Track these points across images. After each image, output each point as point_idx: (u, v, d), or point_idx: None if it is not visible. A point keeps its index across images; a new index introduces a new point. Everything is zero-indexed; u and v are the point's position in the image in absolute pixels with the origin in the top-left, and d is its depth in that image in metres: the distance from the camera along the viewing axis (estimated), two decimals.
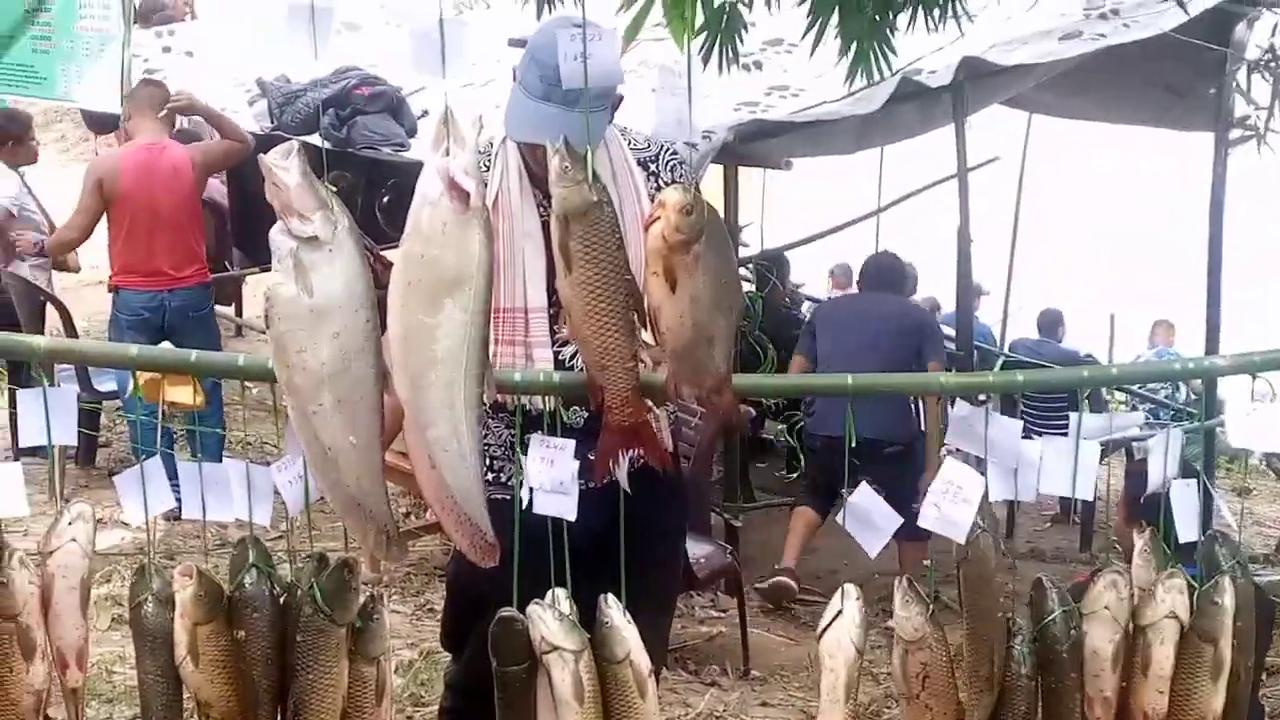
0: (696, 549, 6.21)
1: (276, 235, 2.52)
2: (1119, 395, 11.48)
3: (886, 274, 8.19)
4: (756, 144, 7.70)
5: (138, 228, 7.44)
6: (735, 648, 6.39)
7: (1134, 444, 7.95)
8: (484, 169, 2.73)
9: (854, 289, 10.01)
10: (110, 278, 7.68)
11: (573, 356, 3.50)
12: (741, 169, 8.79)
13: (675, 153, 3.51)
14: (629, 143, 3.47)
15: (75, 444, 7.87)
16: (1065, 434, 2.94)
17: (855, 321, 7.75)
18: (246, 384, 7.13)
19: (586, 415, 3.07)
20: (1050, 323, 12.08)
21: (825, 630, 2.89)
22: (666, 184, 3.47)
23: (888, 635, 6.32)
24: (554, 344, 3.45)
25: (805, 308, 10.61)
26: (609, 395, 2.74)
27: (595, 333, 2.68)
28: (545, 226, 3.45)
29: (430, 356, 2.58)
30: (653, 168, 3.49)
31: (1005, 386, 2.96)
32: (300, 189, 2.51)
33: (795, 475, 9.53)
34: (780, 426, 10.52)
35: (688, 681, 5.93)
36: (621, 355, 2.71)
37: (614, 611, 2.85)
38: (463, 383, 2.60)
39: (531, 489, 2.86)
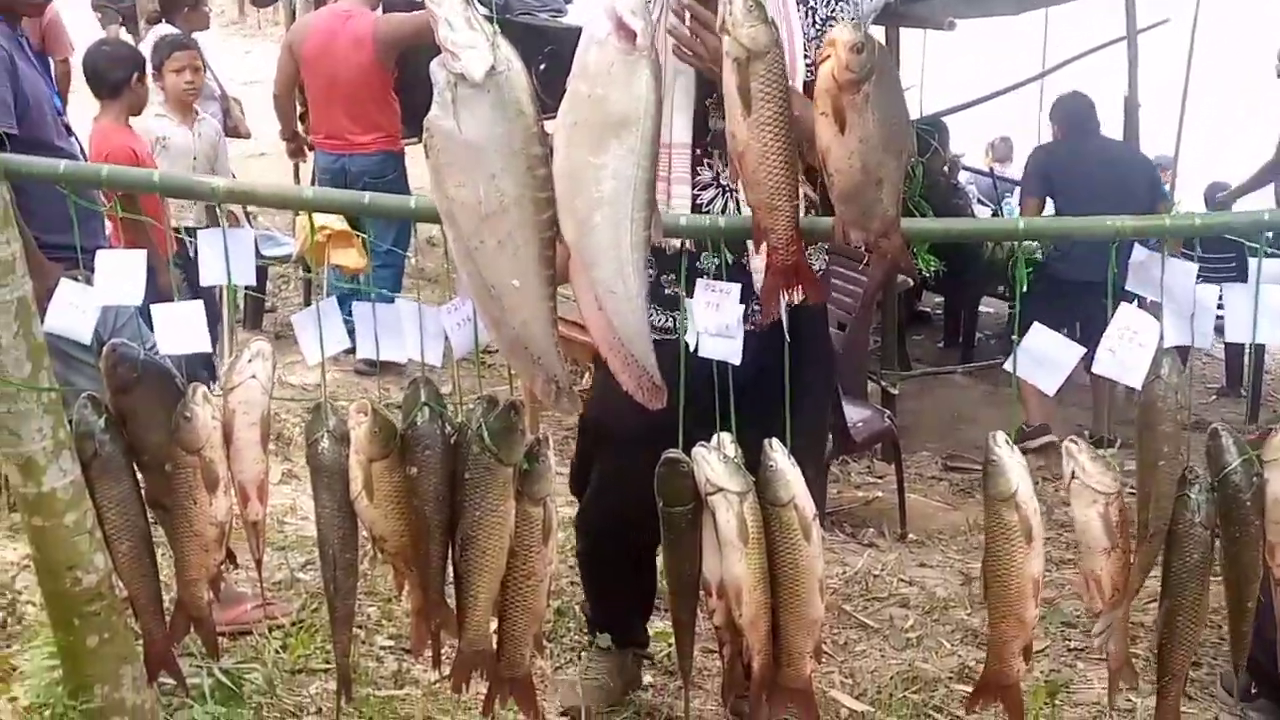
0: (854, 412, 6.22)
1: (434, 66, 2.51)
2: None
3: (1092, 114, 8.11)
4: (919, 4, 7.56)
5: (318, 93, 7.76)
6: (892, 512, 6.41)
7: None
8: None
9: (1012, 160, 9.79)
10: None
11: (710, 202, 3.50)
12: (903, 30, 8.64)
13: None
14: None
15: (242, 307, 8.15)
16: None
17: (1092, 168, 7.68)
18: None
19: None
20: (1218, 195, 11.73)
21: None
22: (823, 19, 3.48)
23: (1044, 504, 6.37)
24: (693, 187, 3.46)
25: (964, 178, 10.44)
26: (775, 236, 2.71)
27: (769, 173, 2.64)
28: None
29: (596, 197, 2.55)
30: (811, 2, 3.47)
31: (1181, 229, 2.87)
32: (461, 26, 2.48)
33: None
34: (939, 299, 10.44)
35: (844, 542, 5.95)
36: (791, 195, 2.68)
37: (779, 455, 2.86)
38: (629, 224, 2.59)
39: (698, 332, 2.87)
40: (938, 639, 4.97)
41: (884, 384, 7.48)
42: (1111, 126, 8.77)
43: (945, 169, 9.27)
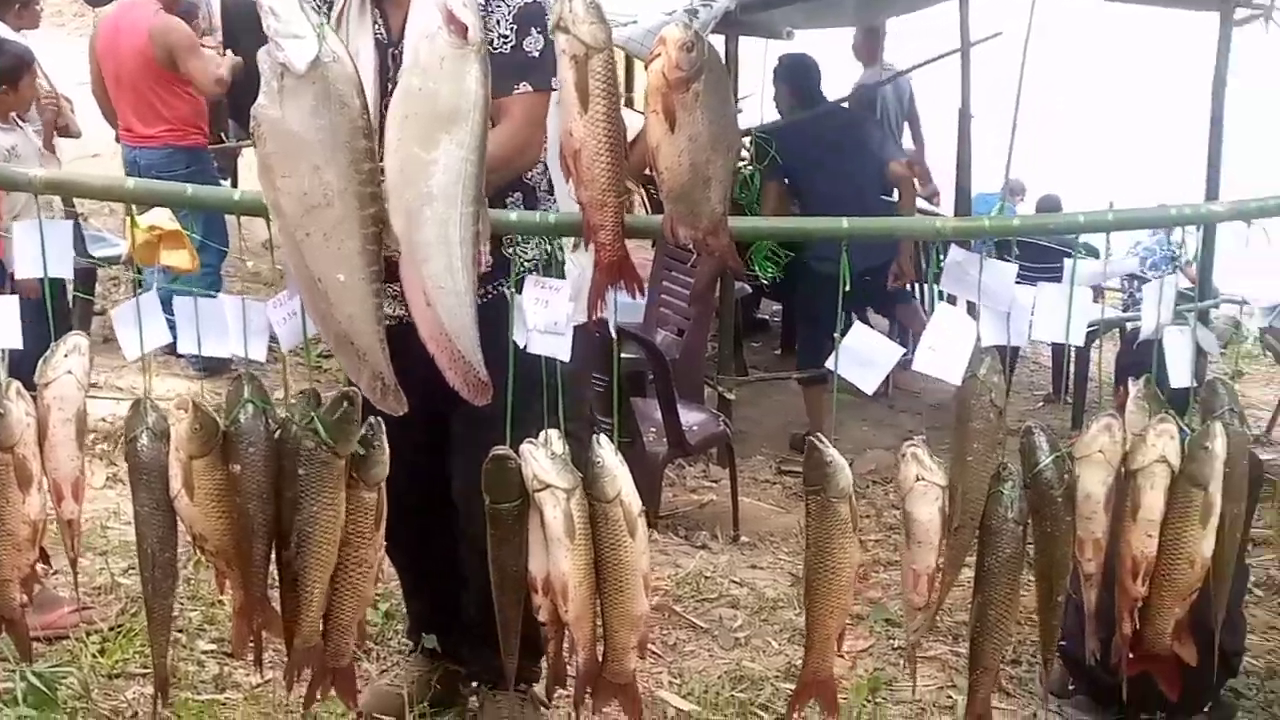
0: (690, 417, 6.28)
1: (261, 55, 2.50)
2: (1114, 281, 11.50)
3: (812, 77, 8.25)
4: (758, 14, 7.63)
5: (110, 86, 7.77)
6: (726, 515, 6.45)
7: (1128, 325, 7.97)
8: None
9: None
10: None
11: None
12: (743, 40, 8.71)
13: None
14: None
15: (71, 309, 7.96)
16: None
17: (820, 150, 7.73)
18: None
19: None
20: (1049, 209, 12.03)
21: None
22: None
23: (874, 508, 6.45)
24: None
25: None
26: (604, 233, 2.73)
27: (602, 170, 2.65)
28: (380, 46, 3.45)
29: (426, 192, 2.55)
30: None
31: (1001, 230, 2.94)
32: (290, 15, 2.48)
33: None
34: (776, 306, 10.54)
35: (678, 544, 5.99)
36: (619, 191, 2.70)
37: (605, 451, 2.87)
38: (459, 219, 2.58)
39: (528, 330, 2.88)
40: (765, 638, 5.04)
41: (720, 389, 7.52)
42: (947, 137, 8.94)
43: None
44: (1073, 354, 9.01)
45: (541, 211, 3.06)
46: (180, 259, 7.14)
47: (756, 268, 8.63)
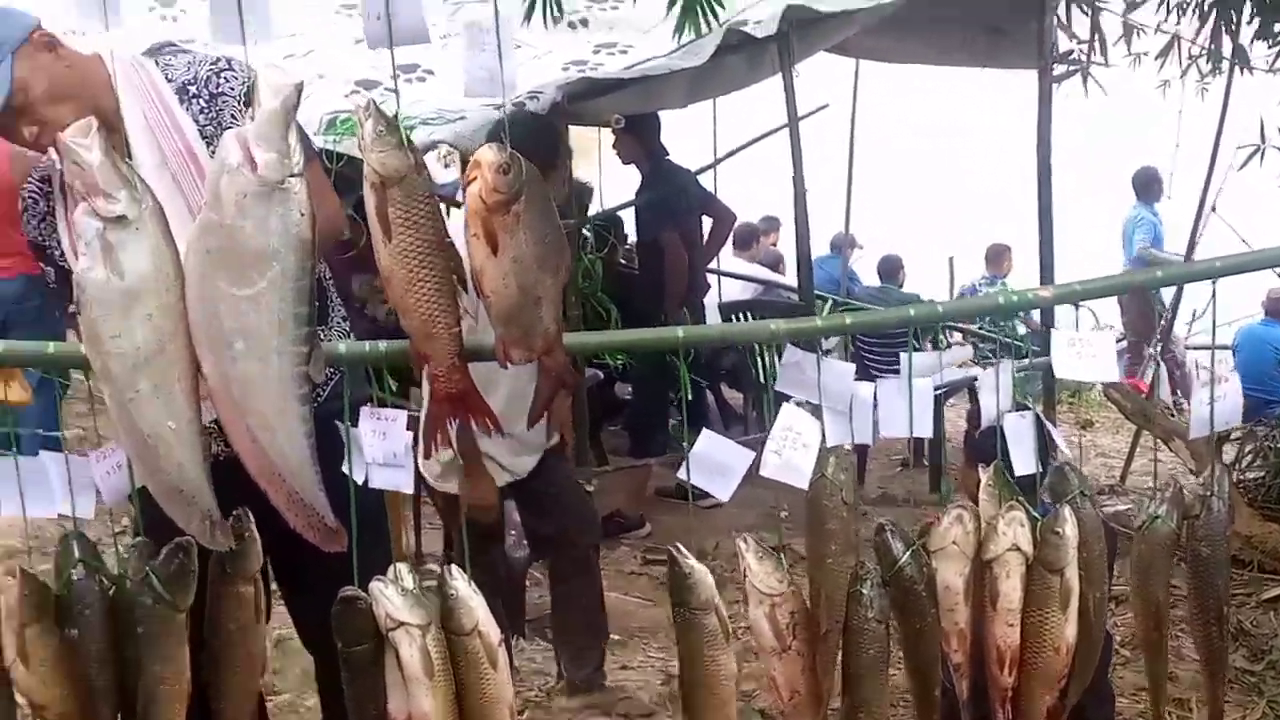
0: None
1: (81, 218, 2.42)
2: (957, 336, 11.66)
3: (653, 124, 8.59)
4: (587, 103, 7.63)
5: None
6: None
7: (976, 385, 8.06)
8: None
9: None
10: None
11: None
12: (575, 129, 8.72)
13: (217, 61, 3.19)
14: (163, 70, 3.17)
15: None
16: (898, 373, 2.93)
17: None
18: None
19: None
20: (890, 269, 12.23)
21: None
22: (211, 97, 3.16)
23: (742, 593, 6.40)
24: None
25: None
26: (434, 364, 2.67)
27: (418, 301, 2.60)
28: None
29: (237, 328, 2.49)
30: (192, 90, 3.15)
31: (833, 329, 2.94)
32: (105, 167, 2.43)
33: None
34: (629, 387, 10.51)
35: (546, 650, 5.85)
36: (446, 322, 2.64)
37: (459, 583, 2.80)
38: (277, 357, 2.52)
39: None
40: None
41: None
42: (784, 209, 9.00)
43: (622, 260, 9.38)
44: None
45: (370, 343, 2.97)
46: (13, 392, 6.93)
47: (605, 355, 8.61)
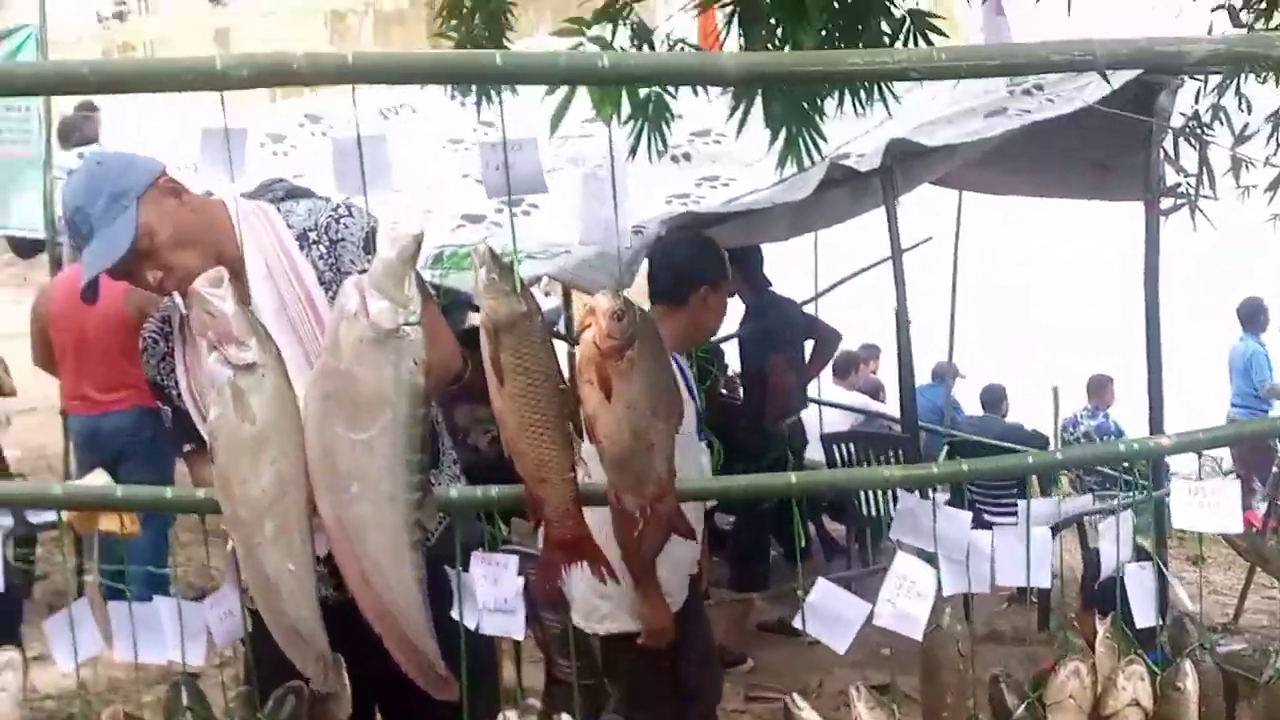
0: None
1: (214, 366, 2.45)
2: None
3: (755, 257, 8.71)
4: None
5: (66, 352, 7.38)
6: None
7: (1086, 520, 7.93)
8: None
9: None
10: None
11: None
12: None
13: (338, 208, 3.26)
14: (284, 217, 3.25)
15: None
16: (1014, 517, 2.89)
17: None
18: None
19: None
20: (993, 399, 12.10)
21: None
22: (332, 243, 3.22)
23: None
24: None
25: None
26: (548, 508, 2.66)
27: (531, 445, 2.60)
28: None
29: (352, 470, 2.50)
30: (312, 236, 3.22)
31: (951, 477, 2.90)
32: (237, 316, 2.47)
33: None
34: (729, 518, 10.44)
35: None
36: (560, 467, 2.63)
37: None
38: (389, 504, 2.53)
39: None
40: None
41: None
42: (884, 335, 8.99)
43: (723, 392, 9.39)
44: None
45: (482, 488, 2.98)
46: (114, 523, 7.00)
47: None
